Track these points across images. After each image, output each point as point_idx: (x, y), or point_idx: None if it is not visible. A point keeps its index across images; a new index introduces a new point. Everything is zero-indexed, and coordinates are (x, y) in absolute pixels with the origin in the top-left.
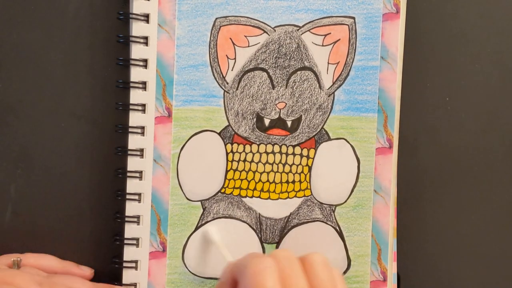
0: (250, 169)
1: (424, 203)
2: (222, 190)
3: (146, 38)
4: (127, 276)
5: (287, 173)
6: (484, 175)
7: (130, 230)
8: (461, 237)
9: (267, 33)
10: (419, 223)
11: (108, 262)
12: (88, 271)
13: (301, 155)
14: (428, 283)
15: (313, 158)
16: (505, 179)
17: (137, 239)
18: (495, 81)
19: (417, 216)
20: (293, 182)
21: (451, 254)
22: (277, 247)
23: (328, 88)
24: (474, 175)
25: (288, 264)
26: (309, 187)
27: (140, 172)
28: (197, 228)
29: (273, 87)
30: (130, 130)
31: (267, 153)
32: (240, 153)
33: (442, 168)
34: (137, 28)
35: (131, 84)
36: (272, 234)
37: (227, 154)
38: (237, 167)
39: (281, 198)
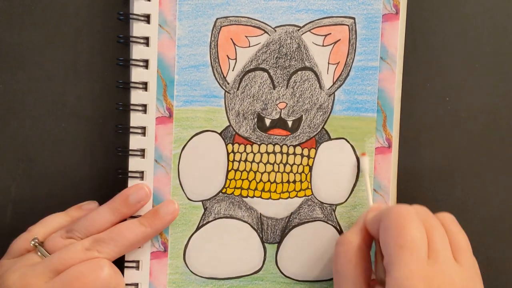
0: (251, 169)
1: (423, 203)
2: (223, 190)
3: (147, 38)
4: (129, 276)
5: (288, 173)
6: (484, 175)
7: None
8: None
9: (267, 33)
10: None
11: None
12: (92, 204)
13: (302, 155)
14: None
15: (314, 158)
16: (505, 179)
17: None
18: (495, 81)
19: None
20: (294, 182)
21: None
22: (278, 247)
23: (329, 88)
24: (474, 175)
25: (427, 214)
26: (309, 187)
27: (142, 172)
28: (198, 228)
29: (274, 87)
30: (131, 130)
31: (268, 153)
32: (241, 153)
33: (442, 168)
34: (138, 29)
35: (132, 85)
36: (273, 234)
37: (228, 154)
38: (238, 167)
39: (282, 198)
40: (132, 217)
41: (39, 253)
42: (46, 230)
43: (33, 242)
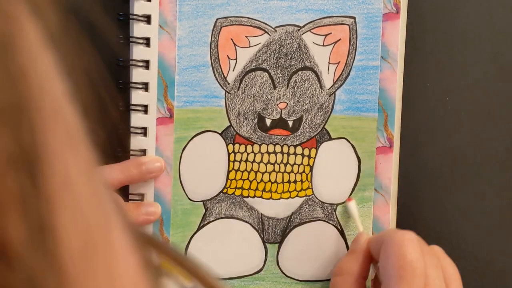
0: (252, 169)
1: (423, 203)
2: (224, 190)
3: (147, 39)
4: None
5: (288, 173)
6: (484, 174)
7: None
8: (461, 237)
9: (268, 33)
10: (419, 222)
11: None
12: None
13: (303, 155)
14: None
15: (314, 158)
16: (505, 178)
17: None
18: (495, 81)
19: (417, 216)
20: (295, 181)
21: (451, 253)
22: (279, 246)
23: (329, 88)
24: (474, 175)
25: (423, 243)
26: (310, 187)
27: None
28: (199, 228)
29: (274, 87)
30: (132, 130)
31: (269, 153)
32: (241, 153)
33: (442, 167)
34: (138, 29)
35: (133, 85)
36: (274, 234)
37: (229, 154)
38: (239, 167)
39: (283, 198)
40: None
41: None
42: None
43: None
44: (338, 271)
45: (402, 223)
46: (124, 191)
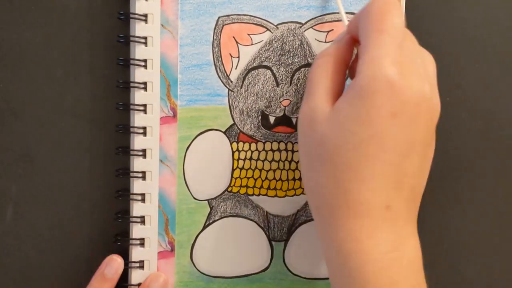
0: (256, 167)
1: (424, 202)
2: (229, 189)
3: (149, 38)
4: (136, 276)
5: (293, 170)
6: (485, 175)
7: (138, 231)
8: (461, 237)
9: (270, 30)
10: (419, 222)
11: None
12: (114, 265)
13: None
14: (428, 281)
15: None
16: (505, 178)
17: (145, 240)
18: (495, 81)
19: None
20: (300, 179)
21: (452, 253)
22: (285, 244)
23: None
24: (474, 175)
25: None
26: None
27: (147, 173)
28: (204, 227)
29: (277, 85)
30: (135, 130)
31: (273, 151)
32: (246, 151)
33: (442, 168)
34: (140, 29)
35: (136, 85)
36: (280, 231)
37: (233, 152)
38: (243, 166)
39: (288, 196)
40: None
41: None
42: None
43: None
44: (318, 54)
45: None
46: (124, 191)
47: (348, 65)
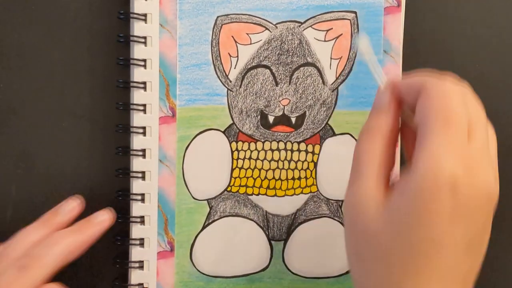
0: (255, 167)
1: None
2: (228, 189)
3: (148, 38)
4: (135, 276)
5: (292, 170)
6: None
7: (137, 231)
8: None
9: (269, 30)
10: None
11: (110, 262)
12: (71, 203)
13: (306, 151)
14: None
15: (318, 154)
16: (506, 178)
17: (145, 240)
18: (495, 81)
19: None
20: (299, 178)
21: None
22: (284, 244)
23: (332, 84)
24: None
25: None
26: (315, 183)
27: (146, 172)
28: (204, 227)
29: (277, 84)
30: (134, 130)
31: (272, 150)
32: (245, 151)
33: None
34: (138, 28)
35: (135, 84)
36: (279, 231)
37: (232, 152)
38: (243, 165)
39: (287, 195)
40: None
41: None
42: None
43: None
44: (365, 127)
45: None
46: (125, 191)
47: (397, 135)
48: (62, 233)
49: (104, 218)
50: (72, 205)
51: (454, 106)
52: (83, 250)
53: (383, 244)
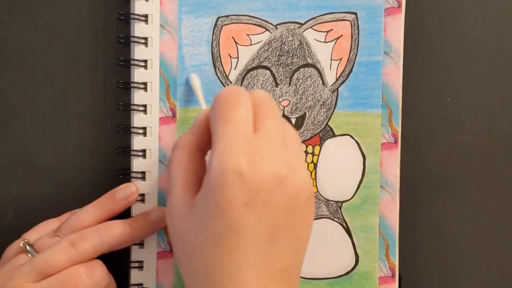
0: None
1: (424, 202)
2: None
3: (148, 38)
4: (135, 276)
5: None
6: (485, 174)
7: None
8: (462, 237)
9: (269, 31)
10: (419, 222)
11: (110, 262)
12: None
13: (306, 152)
14: (428, 281)
15: (318, 155)
16: (506, 178)
17: (145, 240)
18: (496, 81)
19: (417, 215)
20: None
21: (452, 253)
22: None
23: (332, 85)
24: (475, 175)
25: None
26: (315, 184)
27: (146, 173)
28: None
29: (277, 85)
30: (134, 130)
31: None
32: None
33: (443, 168)
34: (139, 29)
35: (135, 85)
36: None
37: None
38: None
39: None
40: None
41: (29, 254)
42: (39, 235)
43: (22, 243)
44: (174, 146)
45: (402, 222)
46: None
47: (206, 149)
48: (118, 225)
49: (159, 219)
50: (128, 192)
51: (229, 105)
52: (130, 244)
53: (193, 243)
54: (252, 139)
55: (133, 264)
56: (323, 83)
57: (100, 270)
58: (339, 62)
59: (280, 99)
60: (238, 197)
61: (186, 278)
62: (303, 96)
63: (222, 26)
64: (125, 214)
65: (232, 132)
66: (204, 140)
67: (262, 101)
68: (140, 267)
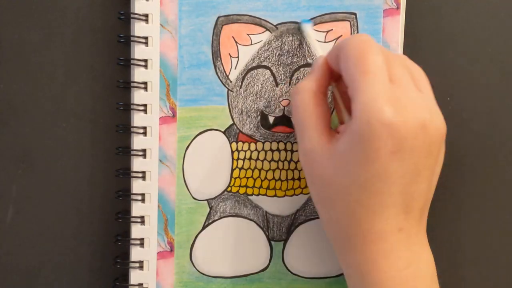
0: (255, 167)
1: None
2: (228, 189)
3: (148, 38)
4: (135, 276)
5: (292, 170)
6: (486, 175)
7: (137, 231)
8: (462, 236)
9: (269, 30)
10: None
11: (109, 262)
12: None
13: None
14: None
15: None
16: (506, 178)
17: (145, 240)
18: (497, 81)
19: None
20: (299, 179)
21: (452, 253)
22: (284, 244)
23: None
24: (475, 175)
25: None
26: None
27: (146, 173)
28: (204, 227)
29: (277, 85)
30: (135, 130)
31: (272, 151)
32: (245, 151)
33: (443, 168)
34: (139, 28)
35: (135, 84)
36: (279, 231)
37: (232, 152)
38: (243, 166)
39: (287, 195)
40: None
41: None
42: None
43: None
44: (295, 90)
45: None
46: (125, 191)
47: (326, 93)
48: None
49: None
50: None
51: (366, 53)
52: None
53: (337, 186)
54: (391, 88)
55: (133, 264)
56: None
57: None
58: None
59: (280, 99)
60: (385, 146)
61: (325, 215)
62: None
63: (222, 25)
64: (124, 214)
65: (374, 82)
66: (324, 84)
67: (382, 48)
68: (140, 267)
